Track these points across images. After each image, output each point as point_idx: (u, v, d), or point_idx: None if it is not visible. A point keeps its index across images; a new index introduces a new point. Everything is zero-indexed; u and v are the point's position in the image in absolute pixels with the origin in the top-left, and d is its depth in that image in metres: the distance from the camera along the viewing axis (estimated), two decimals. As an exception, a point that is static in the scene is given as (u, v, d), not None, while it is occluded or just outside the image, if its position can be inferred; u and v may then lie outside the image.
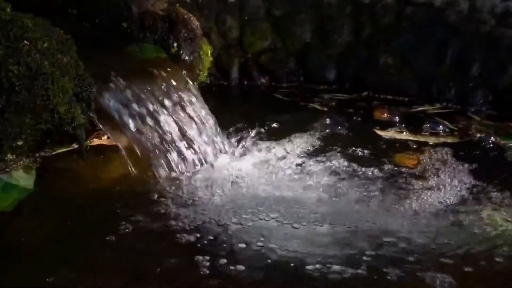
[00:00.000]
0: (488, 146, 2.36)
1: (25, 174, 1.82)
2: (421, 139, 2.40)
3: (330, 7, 3.19)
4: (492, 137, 2.40)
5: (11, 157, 1.75)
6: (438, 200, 1.85)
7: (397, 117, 2.65)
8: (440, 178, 2.01)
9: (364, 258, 1.52)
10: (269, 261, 1.50)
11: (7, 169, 1.77)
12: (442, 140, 2.41)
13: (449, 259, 1.52)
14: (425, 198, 1.87)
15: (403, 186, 1.95)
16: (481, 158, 2.21)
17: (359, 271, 1.46)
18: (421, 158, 2.18)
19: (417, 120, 2.63)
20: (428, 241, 1.61)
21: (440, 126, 2.52)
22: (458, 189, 1.93)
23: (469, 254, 1.56)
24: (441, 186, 1.94)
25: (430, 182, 1.98)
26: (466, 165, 2.10)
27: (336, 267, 1.46)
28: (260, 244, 1.57)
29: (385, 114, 2.70)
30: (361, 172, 2.05)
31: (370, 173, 2.04)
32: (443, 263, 1.50)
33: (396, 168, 2.09)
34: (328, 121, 2.52)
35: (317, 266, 1.47)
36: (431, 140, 2.39)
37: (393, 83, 3.03)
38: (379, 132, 2.47)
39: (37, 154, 1.88)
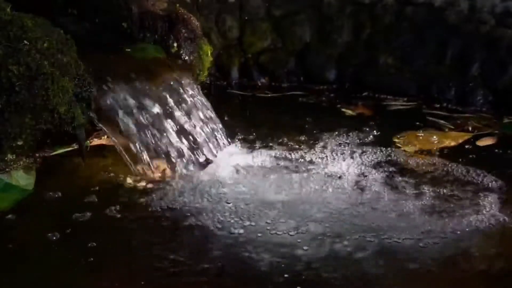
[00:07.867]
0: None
1: (25, 174, 1.82)
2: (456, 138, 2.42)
3: (330, 7, 3.19)
4: None
5: (11, 157, 1.75)
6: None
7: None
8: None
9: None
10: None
11: (7, 169, 1.77)
12: (466, 136, 2.43)
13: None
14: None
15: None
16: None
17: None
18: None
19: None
20: None
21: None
22: None
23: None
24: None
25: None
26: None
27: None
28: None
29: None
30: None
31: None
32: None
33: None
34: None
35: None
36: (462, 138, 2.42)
37: (393, 83, 3.03)
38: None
39: (37, 154, 1.87)
